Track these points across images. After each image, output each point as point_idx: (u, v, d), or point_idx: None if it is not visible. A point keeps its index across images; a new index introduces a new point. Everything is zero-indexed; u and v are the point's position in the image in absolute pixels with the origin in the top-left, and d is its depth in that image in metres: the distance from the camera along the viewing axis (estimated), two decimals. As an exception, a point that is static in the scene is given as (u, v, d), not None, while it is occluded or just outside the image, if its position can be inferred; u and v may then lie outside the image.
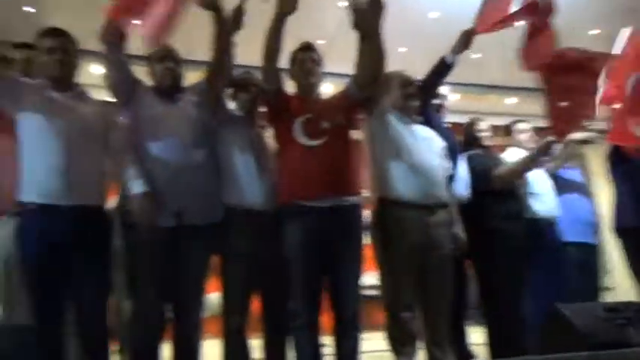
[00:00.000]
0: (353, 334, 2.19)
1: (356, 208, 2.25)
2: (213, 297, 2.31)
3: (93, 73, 2.41)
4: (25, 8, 3.70)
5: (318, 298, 2.17)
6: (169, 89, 2.25)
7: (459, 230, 2.49)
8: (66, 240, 1.93)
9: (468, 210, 2.67)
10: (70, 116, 2.01)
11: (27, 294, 1.95)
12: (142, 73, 2.29)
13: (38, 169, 1.94)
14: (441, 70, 2.56)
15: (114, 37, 2.06)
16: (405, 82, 2.43)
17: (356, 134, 2.39)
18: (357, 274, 2.21)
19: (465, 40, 2.55)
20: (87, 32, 2.13)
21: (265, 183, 2.27)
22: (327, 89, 2.53)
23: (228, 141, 2.29)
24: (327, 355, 2.26)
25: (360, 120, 2.40)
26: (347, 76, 2.35)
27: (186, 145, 2.16)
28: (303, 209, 2.15)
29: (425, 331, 2.32)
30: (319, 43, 2.44)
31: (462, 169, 2.84)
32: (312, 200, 2.15)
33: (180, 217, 2.08)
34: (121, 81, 2.17)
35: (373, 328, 2.75)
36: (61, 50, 2.03)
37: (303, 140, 2.21)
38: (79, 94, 2.09)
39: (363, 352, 2.25)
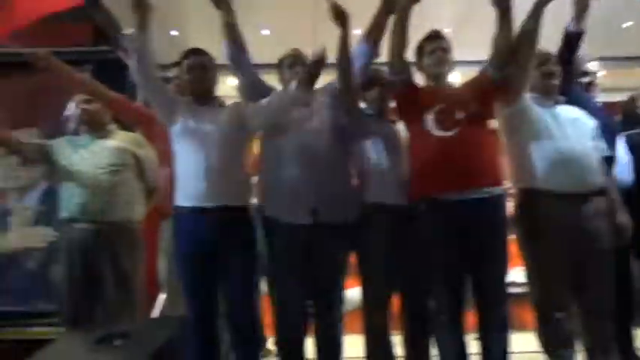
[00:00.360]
0: (501, 334, 2.07)
1: (498, 200, 2.12)
2: (353, 292, 2.34)
3: (229, 84, 2.63)
4: (172, 32, 4.10)
5: (461, 294, 2.09)
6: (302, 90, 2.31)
7: (623, 219, 2.22)
8: (213, 239, 2.07)
9: (633, 196, 2.37)
10: (212, 125, 2.16)
11: (183, 288, 2.15)
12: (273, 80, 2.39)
13: (187, 175, 2.12)
14: (569, 41, 2.32)
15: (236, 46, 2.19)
16: (543, 59, 2.24)
17: (492, 124, 2.27)
18: (502, 271, 2.09)
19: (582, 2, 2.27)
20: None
21: (400, 178, 2.24)
22: (455, 78, 2.42)
23: (361, 139, 2.30)
24: (473, 354, 2.15)
25: (496, 108, 2.27)
26: (475, 63, 2.24)
27: (320, 144, 2.20)
28: (440, 203, 2.08)
29: (585, 334, 2.12)
30: (446, 31, 2.35)
31: (622, 151, 2.54)
32: (449, 194, 2.08)
33: (317, 215, 2.13)
34: (252, 90, 2.27)
35: (523, 327, 2.57)
36: (200, 68, 2.19)
37: (437, 132, 2.14)
38: (218, 104, 2.25)
39: (513, 353, 2.12)
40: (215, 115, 2.18)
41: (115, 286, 2.47)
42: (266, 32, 4.02)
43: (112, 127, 2.69)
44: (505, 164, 2.27)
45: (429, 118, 2.15)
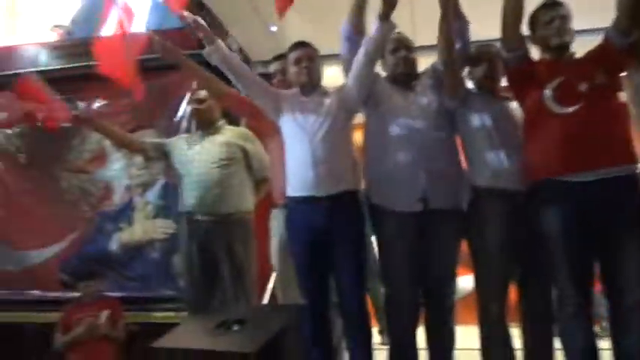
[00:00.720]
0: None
1: (630, 180, 1.91)
2: (465, 281, 2.24)
3: (329, 75, 2.65)
4: (272, 28, 4.19)
5: (588, 282, 1.92)
6: (404, 77, 2.26)
7: None
8: (325, 227, 2.09)
9: None
10: (318, 114, 2.17)
11: (297, 277, 2.19)
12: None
13: (296, 165, 2.15)
14: None
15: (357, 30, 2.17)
16: None
17: (621, 96, 2.04)
18: (638, 256, 1.88)
19: None
20: (320, 39, 2.33)
21: (516, 160, 2.10)
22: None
23: (470, 120, 2.19)
24: (605, 349, 1.97)
25: (624, 78, 2.04)
26: (595, 31, 2.02)
27: (426, 130, 2.14)
28: (563, 185, 1.92)
29: None
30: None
31: None
32: (573, 174, 1.91)
33: (426, 202, 2.07)
34: None
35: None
36: (307, 59, 2.21)
37: (557, 108, 1.96)
38: (322, 94, 2.25)
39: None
40: (320, 104, 2.19)
41: (231, 273, 2.60)
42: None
43: (222, 122, 2.82)
44: (638, 140, 2.04)
45: (548, 94, 1.99)
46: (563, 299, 1.92)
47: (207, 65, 2.38)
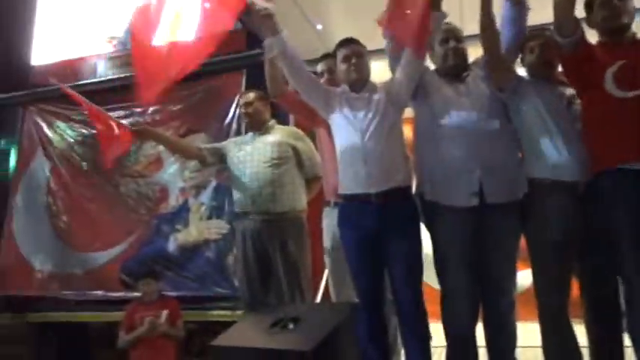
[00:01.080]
0: None
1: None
2: (523, 276, 2.17)
3: (375, 70, 2.64)
4: (318, 27, 4.20)
5: None
6: (454, 69, 2.21)
7: None
8: (378, 224, 2.07)
9: None
10: (368, 110, 2.16)
11: (351, 275, 2.19)
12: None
13: (348, 163, 2.14)
14: None
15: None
16: None
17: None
18: None
19: None
20: (366, 35, 2.30)
21: (575, 150, 2.01)
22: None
23: (524, 110, 2.10)
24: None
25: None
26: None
27: (480, 121, 2.08)
28: (627, 174, 1.82)
29: None
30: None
31: None
32: (636, 162, 1.81)
33: (482, 196, 2.02)
34: None
35: None
36: (356, 56, 2.20)
37: (619, 93, 1.86)
38: (371, 89, 2.23)
39: None
40: (370, 100, 2.18)
41: (285, 272, 2.62)
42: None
43: (272, 122, 2.86)
44: None
45: (609, 79, 1.88)
46: (633, 297, 1.81)
47: (255, 66, 2.41)
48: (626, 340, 1.92)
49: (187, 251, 4.08)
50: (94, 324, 4.53)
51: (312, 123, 2.59)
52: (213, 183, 4.15)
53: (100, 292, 4.27)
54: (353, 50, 2.21)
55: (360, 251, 2.11)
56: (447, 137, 2.10)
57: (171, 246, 4.12)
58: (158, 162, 4.39)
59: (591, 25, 2.04)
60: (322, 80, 2.52)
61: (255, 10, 2.10)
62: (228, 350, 2.02)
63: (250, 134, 2.85)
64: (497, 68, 2.11)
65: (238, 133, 3.73)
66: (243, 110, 2.86)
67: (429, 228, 2.18)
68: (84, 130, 4.60)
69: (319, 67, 2.59)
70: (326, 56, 2.58)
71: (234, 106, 3.95)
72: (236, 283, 3.40)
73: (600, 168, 1.92)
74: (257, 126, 2.82)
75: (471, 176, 2.04)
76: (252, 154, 2.74)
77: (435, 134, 2.14)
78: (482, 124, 2.08)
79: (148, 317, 3.38)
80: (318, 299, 3.42)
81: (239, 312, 3.19)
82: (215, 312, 3.80)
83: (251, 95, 2.84)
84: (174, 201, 4.29)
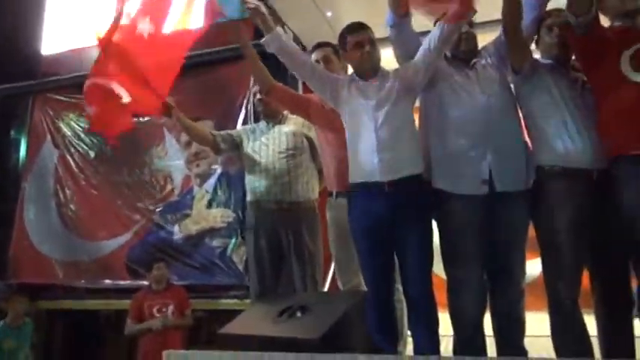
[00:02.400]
0: None
1: None
2: (533, 265, 2.15)
3: (386, 58, 2.61)
4: (328, 13, 4.15)
5: None
6: (466, 54, 2.18)
7: None
8: (389, 213, 2.04)
9: None
10: (378, 97, 2.13)
11: (359, 263, 2.17)
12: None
13: (359, 151, 2.12)
14: None
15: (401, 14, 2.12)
16: None
17: None
18: None
19: None
20: (376, 23, 2.24)
21: (589, 137, 1.97)
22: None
23: (538, 94, 2.07)
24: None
25: None
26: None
27: (491, 108, 2.06)
28: None
29: None
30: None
31: None
32: None
33: (491, 183, 2.00)
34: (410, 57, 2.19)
35: None
36: (367, 43, 2.16)
37: (636, 77, 1.83)
38: (382, 77, 2.20)
39: None
40: (381, 88, 2.15)
41: (298, 261, 2.62)
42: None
43: (286, 112, 2.84)
44: None
45: (625, 62, 1.84)
46: None
47: (264, 56, 2.39)
48: (637, 330, 1.90)
49: (192, 240, 4.10)
50: (104, 311, 4.58)
51: (305, 115, 2.57)
52: (218, 171, 4.16)
53: (108, 281, 4.31)
54: (365, 37, 2.17)
55: (370, 240, 2.10)
56: (456, 124, 2.08)
57: (176, 234, 4.14)
58: (162, 150, 4.42)
59: (602, 10, 1.99)
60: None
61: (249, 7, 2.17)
62: (236, 338, 2.02)
63: (264, 123, 2.83)
64: (517, 46, 2.06)
65: (245, 122, 3.73)
66: (259, 97, 2.81)
67: (436, 216, 2.16)
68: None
69: (313, 56, 2.55)
70: (320, 46, 2.56)
71: (246, 95, 3.95)
72: (241, 270, 3.40)
73: (616, 153, 1.88)
74: (273, 115, 2.80)
75: (480, 163, 2.02)
76: (267, 144, 2.73)
77: (444, 122, 2.11)
78: (494, 110, 2.06)
79: (156, 306, 3.41)
80: (326, 289, 3.43)
81: (248, 300, 3.20)
82: (224, 300, 3.83)
83: None
84: (178, 189, 4.31)
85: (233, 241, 3.94)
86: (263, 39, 2.21)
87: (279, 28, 2.21)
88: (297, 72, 2.23)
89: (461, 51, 2.18)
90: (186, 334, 3.59)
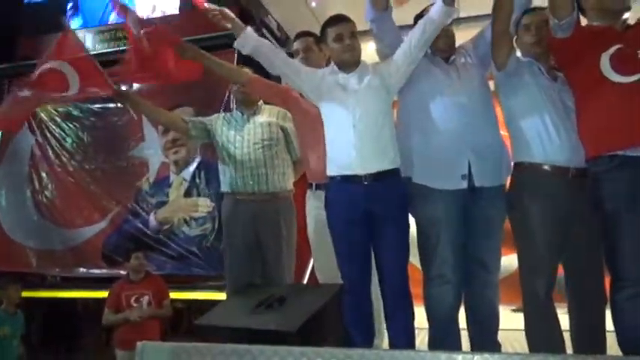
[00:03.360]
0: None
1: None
2: (508, 260, 2.18)
3: (369, 51, 2.59)
4: (312, 4, 4.13)
5: None
6: (444, 52, 2.20)
7: None
8: (366, 205, 2.05)
9: None
10: (357, 91, 2.12)
11: (336, 256, 2.16)
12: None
13: (338, 144, 2.12)
14: None
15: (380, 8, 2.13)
16: None
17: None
18: None
19: None
20: (359, 12, 2.24)
21: (567, 134, 1.98)
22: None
23: (518, 91, 2.08)
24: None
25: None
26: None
27: (470, 104, 2.07)
28: (625, 161, 1.81)
29: None
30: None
31: None
32: (635, 148, 1.79)
33: (470, 179, 2.02)
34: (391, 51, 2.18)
35: None
36: (348, 36, 2.14)
37: (616, 77, 1.84)
38: (362, 70, 2.19)
39: None
40: (361, 81, 2.15)
41: (274, 252, 2.61)
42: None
43: (261, 102, 2.81)
44: None
45: (605, 62, 1.86)
46: (623, 280, 1.82)
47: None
48: (609, 325, 1.93)
49: (169, 229, 4.05)
50: (81, 300, 4.52)
51: (284, 105, 2.56)
52: (198, 159, 4.11)
53: (83, 270, 4.25)
54: (346, 29, 2.15)
55: (347, 232, 2.09)
56: (436, 120, 2.09)
57: (152, 222, 4.08)
58: (139, 136, 4.34)
59: (583, 9, 2.00)
60: (297, 58, 2.48)
61: (211, 14, 2.19)
62: (213, 329, 2.02)
63: (239, 114, 2.79)
64: (503, 42, 2.06)
65: (229, 110, 3.69)
66: (238, 87, 2.79)
67: (414, 211, 2.16)
68: (69, 106, 4.53)
69: (295, 46, 2.55)
70: (300, 35, 2.55)
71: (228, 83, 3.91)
72: (220, 262, 3.37)
73: (595, 153, 1.89)
74: (249, 105, 2.77)
75: (460, 159, 2.04)
76: (242, 135, 2.69)
77: (425, 119, 2.12)
78: (473, 107, 2.07)
79: (133, 297, 3.38)
80: (305, 281, 3.43)
81: (225, 292, 3.19)
82: (202, 292, 3.80)
83: None
84: (154, 176, 4.24)
85: (210, 230, 3.91)
86: (235, 42, 2.20)
87: (248, 28, 2.20)
88: (274, 70, 2.22)
89: (439, 48, 2.18)
90: (166, 325, 3.56)
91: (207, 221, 3.96)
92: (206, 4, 2.23)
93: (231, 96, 3.88)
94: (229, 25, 2.20)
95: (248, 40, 2.18)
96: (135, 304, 3.41)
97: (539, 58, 2.10)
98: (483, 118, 2.09)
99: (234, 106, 2.92)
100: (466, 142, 2.04)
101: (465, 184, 2.03)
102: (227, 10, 2.21)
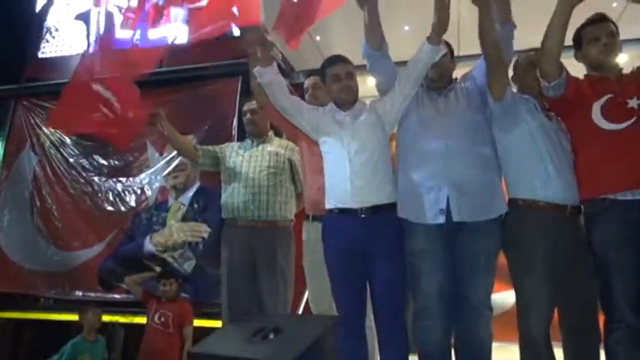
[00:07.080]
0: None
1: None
2: (503, 297, 2.17)
3: (369, 85, 2.66)
4: (317, 37, 4.22)
5: None
6: (436, 83, 2.24)
7: None
8: (363, 239, 2.08)
9: None
10: (352, 129, 2.18)
11: (332, 289, 2.17)
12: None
13: (334, 178, 2.16)
14: None
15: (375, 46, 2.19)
16: None
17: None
18: None
19: None
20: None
21: (563, 172, 2.02)
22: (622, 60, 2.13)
23: (513, 129, 2.10)
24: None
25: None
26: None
27: (452, 142, 2.08)
28: (616, 203, 1.86)
29: None
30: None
31: None
32: (627, 192, 1.86)
33: (449, 214, 2.03)
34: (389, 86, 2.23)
35: None
36: (345, 76, 2.21)
37: (607, 125, 1.91)
38: (360, 107, 2.25)
39: None
40: (357, 118, 2.20)
41: (268, 282, 2.62)
42: (407, 29, 3.99)
43: (271, 133, 2.89)
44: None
45: (596, 111, 1.93)
46: (615, 321, 1.84)
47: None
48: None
49: (164, 253, 4.03)
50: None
51: (295, 135, 2.61)
52: (197, 185, 4.13)
53: (79, 292, 4.22)
54: (344, 70, 2.22)
55: (343, 264, 2.11)
56: (418, 155, 2.12)
57: (147, 247, 4.07)
58: (143, 161, 4.37)
59: (580, 59, 2.09)
60: (307, 96, 2.58)
61: (254, 37, 2.25)
62: (208, 358, 2.00)
63: (249, 142, 2.87)
64: (499, 75, 2.08)
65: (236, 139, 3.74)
66: (249, 117, 2.84)
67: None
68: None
69: (305, 84, 2.65)
70: (310, 74, 2.67)
71: (234, 113, 3.98)
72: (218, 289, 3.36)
73: (588, 196, 1.95)
74: (259, 134, 2.84)
75: (438, 194, 2.05)
76: (249, 161, 2.76)
77: (410, 153, 2.16)
78: (456, 143, 2.08)
79: (158, 312, 3.47)
80: (300, 311, 3.40)
81: (220, 320, 3.16)
82: (196, 319, 3.76)
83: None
84: (152, 200, 4.26)
85: (208, 257, 3.89)
86: (257, 68, 2.25)
87: (275, 64, 2.28)
88: (279, 106, 2.28)
89: (429, 78, 2.22)
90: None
91: (204, 248, 3.94)
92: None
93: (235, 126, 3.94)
94: (262, 53, 2.25)
95: (272, 72, 2.24)
96: (157, 321, 3.47)
97: (536, 96, 2.14)
98: (468, 153, 2.08)
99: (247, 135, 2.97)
100: (445, 177, 2.05)
101: (442, 219, 2.04)
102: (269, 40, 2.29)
